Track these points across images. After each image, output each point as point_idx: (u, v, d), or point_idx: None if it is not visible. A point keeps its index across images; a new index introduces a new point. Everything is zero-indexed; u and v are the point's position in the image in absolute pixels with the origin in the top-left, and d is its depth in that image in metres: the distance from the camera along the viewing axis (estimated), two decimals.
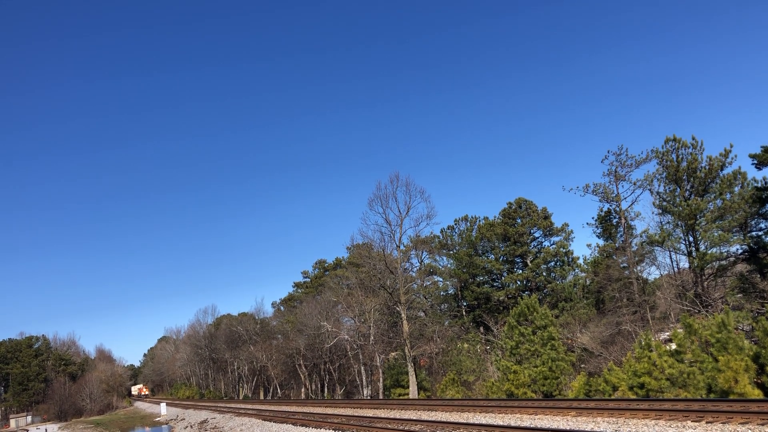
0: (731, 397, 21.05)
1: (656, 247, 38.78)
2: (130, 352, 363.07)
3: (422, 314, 57.32)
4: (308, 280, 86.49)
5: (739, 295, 34.50)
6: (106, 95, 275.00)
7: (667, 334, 34.30)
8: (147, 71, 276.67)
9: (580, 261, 49.43)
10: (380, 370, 51.90)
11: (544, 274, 50.82)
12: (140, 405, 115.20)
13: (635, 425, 16.60)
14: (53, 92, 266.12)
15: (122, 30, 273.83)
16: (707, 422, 15.63)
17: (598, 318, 41.73)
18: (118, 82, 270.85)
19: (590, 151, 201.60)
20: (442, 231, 59.35)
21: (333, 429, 25.14)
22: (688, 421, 16.10)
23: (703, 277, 36.49)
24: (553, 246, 51.45)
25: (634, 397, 25.19)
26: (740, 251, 35.37)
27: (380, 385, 51.38)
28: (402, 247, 50.39)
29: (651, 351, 26.14)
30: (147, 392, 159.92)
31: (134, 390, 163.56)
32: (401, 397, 46.54)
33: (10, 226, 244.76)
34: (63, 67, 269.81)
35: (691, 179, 36.04)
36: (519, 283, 51.87)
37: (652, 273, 52.15)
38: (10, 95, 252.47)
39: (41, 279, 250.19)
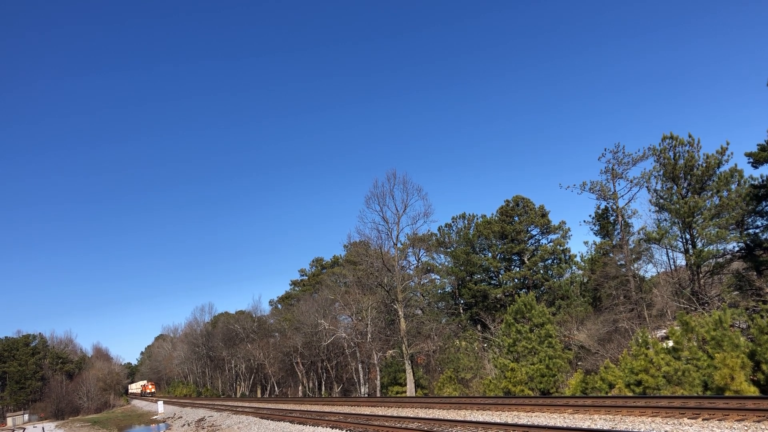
0: (727, 394, 21.08)
1: (653, 245, 38.85)
2: (128, 351, 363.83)
3: (419, 312, 57.29)
4: (305, 278, 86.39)
5: (736, 293, 34.58)
6: (101, 91, 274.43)
7: (664, 331, 34.36)
8: (143, 68, 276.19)
9: (578, 259, 49.51)
10: (377, 368, 51.90)
11: (542, 271, 50.84)
12: (137, 403, 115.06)
13: (632, 422, 16.61)
14: (47, 88, 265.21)
15: (117, 25, 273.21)
16: (703, 419, 15.64)
17: (595, 315, 41.78)
18: (112, 78, 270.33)
19: (587, 149, 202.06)
20: (439, 229, 59.40)
21: (330, 427, 25.12)
22: (685, 418, 16.11)
23: (700, 275, 36.56)
24: (551, 244, 51.47)
25: (630, 394, 25.22)
26: (737, 249, 35.45)
27: (377, 383, 51.36)
28: (399, 245, 50.39)
29: (648, 348, 26.18)
30: (153, 389, 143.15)
31: (136, 387, 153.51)
32: (398, 395, 46.55)
33: (6, 223, 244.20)
34: (58, 64, 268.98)
35: (688, 177, 36.09)
36: (516, 280, 51.90)
37: (649, 270, 52.32)
38: (4, 91, 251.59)
39: (38, 277, 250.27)
